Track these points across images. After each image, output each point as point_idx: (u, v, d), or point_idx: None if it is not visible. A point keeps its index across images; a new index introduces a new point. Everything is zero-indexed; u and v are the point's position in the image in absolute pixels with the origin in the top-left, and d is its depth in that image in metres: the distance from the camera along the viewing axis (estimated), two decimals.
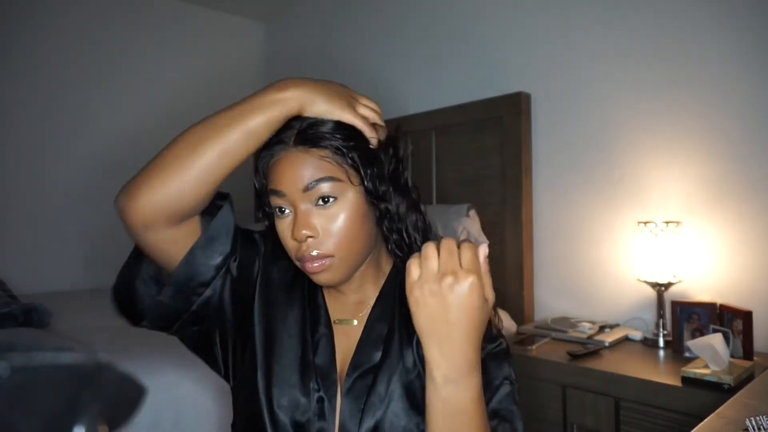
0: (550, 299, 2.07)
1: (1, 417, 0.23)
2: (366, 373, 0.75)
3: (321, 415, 0.73)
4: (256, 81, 3.51)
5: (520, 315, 2.02)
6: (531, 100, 2.09)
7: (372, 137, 0.74)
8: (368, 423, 0.72)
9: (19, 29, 2.62)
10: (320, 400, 0.74)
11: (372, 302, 0.81)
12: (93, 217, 2.81)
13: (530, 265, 2.08)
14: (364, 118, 0.74)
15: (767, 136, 1.60)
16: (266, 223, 0.82)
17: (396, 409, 0.73)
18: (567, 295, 2.03)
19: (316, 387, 0.74)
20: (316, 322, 0.80)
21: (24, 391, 0.24)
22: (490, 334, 0.77)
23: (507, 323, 1.97)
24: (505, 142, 2.09)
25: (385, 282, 0.83)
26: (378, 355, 0.76)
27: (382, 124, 0.78)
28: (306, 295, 0.82)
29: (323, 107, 0.71)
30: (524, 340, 1.76)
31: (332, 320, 0.81)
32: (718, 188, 1.68)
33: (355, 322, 0.80)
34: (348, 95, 0.75)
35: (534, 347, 1.68)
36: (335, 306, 0.82)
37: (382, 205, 0.76)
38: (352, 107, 0.73)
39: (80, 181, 2.79)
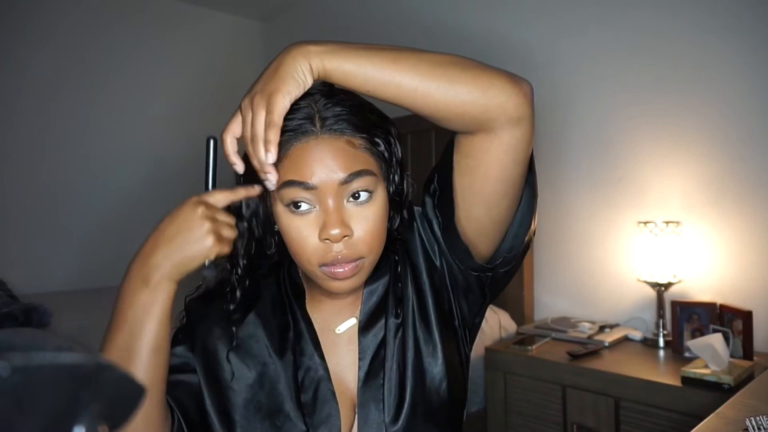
0: (550, 299, 2.06)
1: (1, 417, 0.23)
2: (375, 372, 0.72)
3: None
4: None
5: (520, 315, 2.02)
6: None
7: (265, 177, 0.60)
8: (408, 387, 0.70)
9: (20, 29, 2.62)
10: None
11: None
12: (93, 218, 2.81)
13: (530, 265, 2.07)
14: (229, 227, 0.62)
15: (767, 136, 1.60)
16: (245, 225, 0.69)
17: (416, 359, 0.71)
18: (567, 295, 2.03)
19: (304, 428, 0.68)
20: (301, 352, 0.73)
21: (24, 391, 0.24)
22: None
23: (507, 323, 1.97)
24: None
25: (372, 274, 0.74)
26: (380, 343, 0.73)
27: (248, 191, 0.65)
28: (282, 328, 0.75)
29: (182, 259, 0.60)
30: (524, 340, 1.76)
31: (332, 331, 0.75)
32: (718, 188, 1.68)
33: (354, 320, 0.75)
34: (194, 220, 0.59)
35: (534, 347, 1.68)
36: (327, 315, 0.76)
37: (403, 211, 0.72)
38: (211, 232, 0.59)
39: (81, 182, 2.78)
